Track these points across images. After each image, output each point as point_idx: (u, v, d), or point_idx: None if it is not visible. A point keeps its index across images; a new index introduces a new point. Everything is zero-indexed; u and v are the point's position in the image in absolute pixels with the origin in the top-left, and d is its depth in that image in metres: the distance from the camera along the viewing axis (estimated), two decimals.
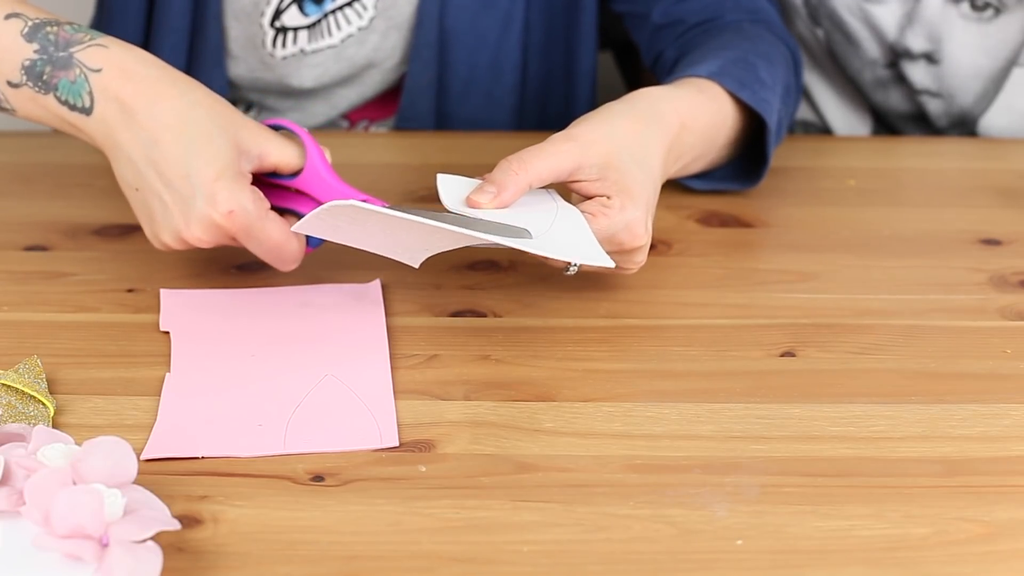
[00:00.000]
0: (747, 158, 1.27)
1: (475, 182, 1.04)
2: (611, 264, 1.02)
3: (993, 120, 1.44)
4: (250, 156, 1.07)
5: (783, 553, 0.85)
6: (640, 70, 1.64)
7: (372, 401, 0.98)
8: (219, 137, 1.05)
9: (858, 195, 1.30)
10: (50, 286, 1.12)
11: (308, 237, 1.10)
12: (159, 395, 0.98)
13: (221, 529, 0.86)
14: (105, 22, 1.43)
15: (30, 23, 1.08)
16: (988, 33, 1.40)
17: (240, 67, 1.39)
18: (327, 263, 1.14)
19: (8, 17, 1.08)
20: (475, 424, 0.96)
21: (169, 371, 1.01)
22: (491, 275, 1.14)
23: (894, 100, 1.45)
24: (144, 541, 0.79)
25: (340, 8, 1.37)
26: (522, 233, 1.01)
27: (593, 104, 1.13)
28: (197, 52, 1.38)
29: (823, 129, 1.49)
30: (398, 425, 0.96)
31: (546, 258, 1.02)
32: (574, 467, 0.92)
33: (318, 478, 0.90)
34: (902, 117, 1.46)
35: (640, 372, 1.02)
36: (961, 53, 1.41)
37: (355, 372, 1.01)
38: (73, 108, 1.07)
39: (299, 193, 1.11)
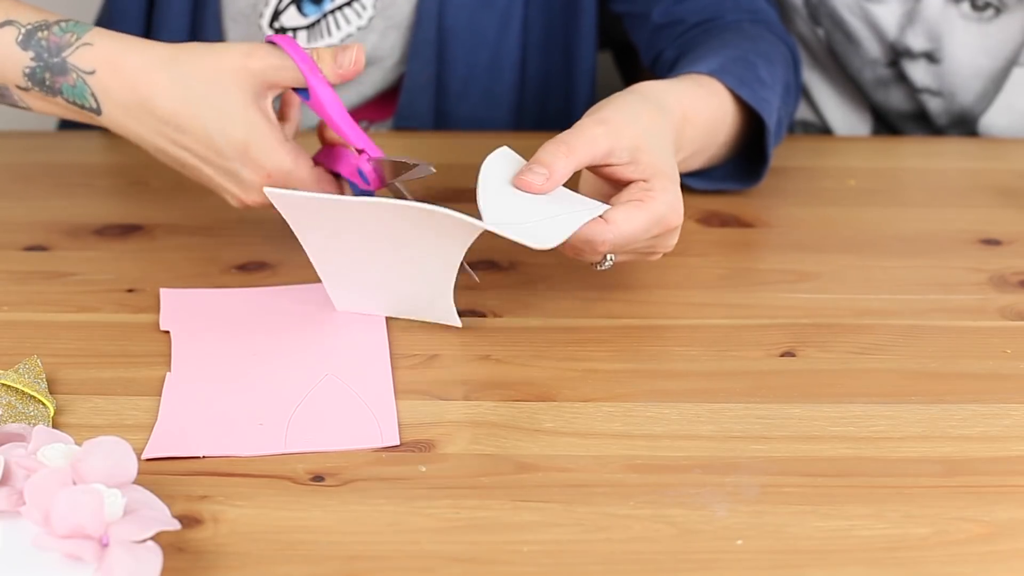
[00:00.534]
0: (746, 157, 1.27)
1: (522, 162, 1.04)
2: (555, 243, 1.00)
3: (993, 120, 1.44)
4: (264, 92, 1.08)
5: (783, 553, 0.85)
6: (639, 70, 1.63)
7: (372, 400, 0.98)
8: (228, 102, 1.07)
9: (858, 195, 1.30)
10: (50, 286, 1.12)
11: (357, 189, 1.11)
12: (159, 395, 0.98)
13: (221, 529, 0.86)
14: (105, 24, 1.43)
15: (23, 30, 1.09)
16: (988, 33, 1.40)
17: None
18: None
19: (3, 25, 1.09)
20: (475, 424, 0.96)
21: (169, 371, 1.01)
22: (491, 275, 1.14)
23: (894, 99, 1.45)
24: (144, 541, 0.79)
25: (339, 8, 1.37)
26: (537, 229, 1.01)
27: (592, 103, 1.13)
28: None
29: (823, 129, 1.49)
30: (398, 425, 0.96)
31: (562, 248, 1.02)
32: (574, 467, 0.92)
33: (318, 478, 0.90)
34: (902, 116, 1.46)
35: (640, 372, 1.02)
36: (961, 52, 1.41)
37: (355, 371, 1.01)
38: (83, 108, 1.09)
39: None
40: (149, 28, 1.39)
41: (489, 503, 0.88)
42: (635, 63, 1.67)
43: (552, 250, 1.01)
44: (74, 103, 1.09)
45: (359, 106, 1.44)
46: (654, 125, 1.09)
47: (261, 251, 1.17)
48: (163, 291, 1.11)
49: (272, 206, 1.05)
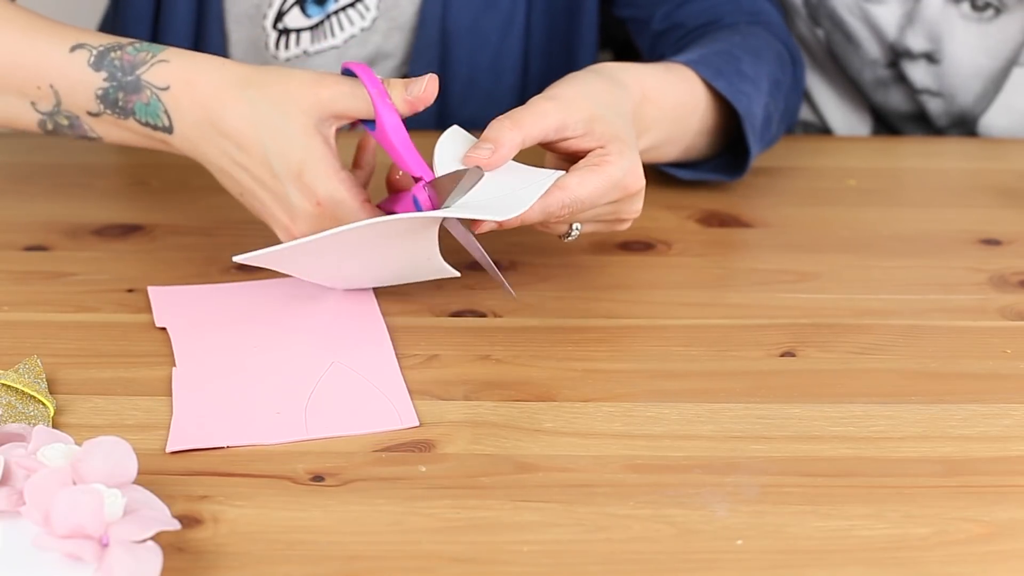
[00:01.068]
0: (736, 153, 1.27)
1: (473, 140, 1.05)
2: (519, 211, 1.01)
3: (993, 120, 1.44)
4: (328, 120, 1.07)
5: (783, 553, 0.85)
6: None
7: (383, 384, 0.99)
8: (290, 125, 1.05)
9: (858, 195, 1.30)
10: (50, 286, 1.12)
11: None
12: (159, 395, 0.98)
13: (221, 529, 0.86)
14: (112, 26, 1.44)
15: (95, 52, 1.09)
16: (988, 33, 1.40)
17: None
18: None
19: (73, 49, 1.09)
20: (475, 424, 0.96)
21: (175, 366, 1.01)
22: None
23: (894, 100, 1.45)
24: (144, 541, 0.79)
25: (343, 9, 1.37)
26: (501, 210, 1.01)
27: None
28: None
29: (823, 129, 1.49)
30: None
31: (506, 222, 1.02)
32: (574, 467, 0.92)
33: (318, 478, 0.90)
34: (902, 117, 1.46)
35: (640, 372, 1.02)
36: (961, 53, 1.41)
37: (360, 358, 1.02)
38: (156, 128, 1.09)
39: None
40: (156, 32, 1.39)
41: (489, 503, 0.88)
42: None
43: (524, 228, 1.02)
44: (147, 123, 1.08)
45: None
46: (608, 96, 1.09)
47: None
48: (151, 289, 1.11)
49: None
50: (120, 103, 1.09)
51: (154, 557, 0.79)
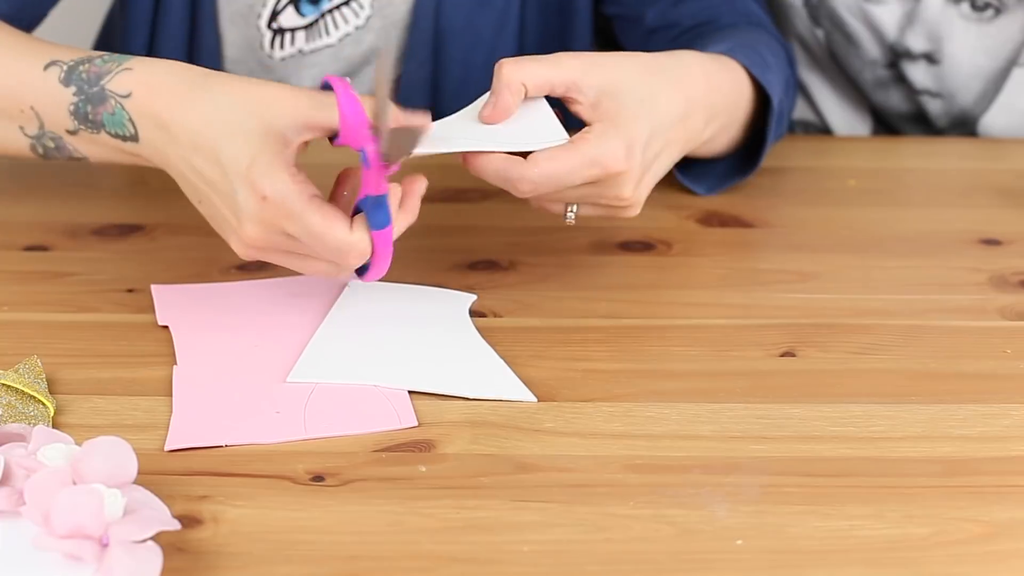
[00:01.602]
0: (745, 149, 1.27)
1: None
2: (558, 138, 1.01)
3: (993, 120, 1.44)
4: (293, 129, 1.00)
5: (783, 553, 0.85)
6: None
7: (383, 385, 0.99)
8: (247, 123, 1.00)
9: (858, 195, 1.30)
10: (50, 286, 1.12)
11: (371, 216, 0.99)
12: (159, 395, 0.98)
13: (221, 529, 0.86)
14: (110, 31, 1.44)
15: (65, 67, 1.07)
16: (988, 33, 1.40)
17: (239, 70, 1.39)
18: None
19: (47, 67, 1.07)
20: (475, 424, 0.96)
21: (175, 365, 1.01)
22: (491, 275, 1.14)
23: (894, 100, 1.45)
24: (144, 541, 0.79)
25: (337, 7, 1.37)
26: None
27: None
28: (195, 59, 1.38)
29: (823, 129, 1.49)
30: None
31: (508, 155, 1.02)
32: (574, 467, 0.92)
33: (318, 478, 0.90)
34: (902, 117, 1.46)
35: (640, 372, 1.02)
36: (961, 53, 1.41)
37: None
38: (124, 139, 1.05)
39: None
40: (153, 36, 1.38)
41: (489, 503, 0.88)
42: None
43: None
44: (116, 135, 1.05)
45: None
46: (643, 81, 1.07)
47: None
48: (154, 287, 1.11)
49: (266, 252, 1.01)
50: (90, 116, 1.06)
51: (154, 557, 0.79)
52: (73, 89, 1.06)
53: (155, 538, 0.79)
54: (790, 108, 1.33)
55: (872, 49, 1.43)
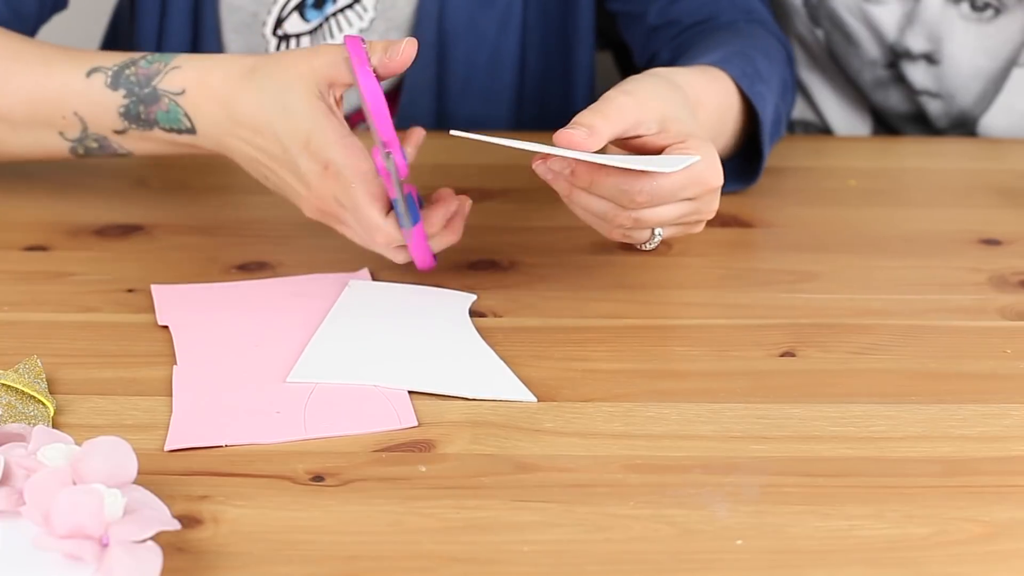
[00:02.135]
0: (744, 156, 1.27)
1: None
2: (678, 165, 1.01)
3: (993, 120, 1.44)
4: (326, 88, 1.09)
5: (783, 553, 0.85)
6: (638, 70, 1.63)
7: (383, 385, 0.99)
8: (292, 98, 1.08)
9: (858, 195, 1.30)
10: (50, 286, 1.12)
11: (399, 214, 1.07)
12: (159, 395, 0.98)
13: (221, 529, 0.86)
14: (113, 37, 1.45)
15: (111, 73, 1.14)
16: (988, 33, 1.40)
17: None
18: (316, 254, 1.15)
19: (90, 74, 1.14)
20: (475, 424, 0.96)
21: (175, 364, 1.01)
22: (491, 275, 1.14)
23: (894, 100, 1.45)
24: (144, 541, 0.79)
25: (341, 11, 1.37)
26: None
27: (591, 102, 1.13)
28: None
29: (823, 129, 1.49)
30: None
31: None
32: (574, 467, 0.92)
33: (318, 478, 0.90)
34: (902, 117, 1.46)
35: (640, 372, 1.02)
36: (961, 53, 1.41)
37: None
38: (180, 132, 1.13)
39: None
40: (160, 47, 1.39)
41: (489, 503, 0.88)
42: (634, 63, 1.67)
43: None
44: (171, 129, 1.13)
45: (359, 108, 1.44)
46: (675, 98, 1.08)
47: (261, 251, 1.17)
48: (154, 287, 1.11)
49: (327, 216, 1.08)
50: (142, 116, 1.13)
51: (154, 557, 0.79)
52: (123, 92, 1.13)
53: (155, 538, 0.79)
54: (788, 109, 1.33)
55: (872, 49, 1.43)
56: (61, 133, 1.16)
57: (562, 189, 1.04)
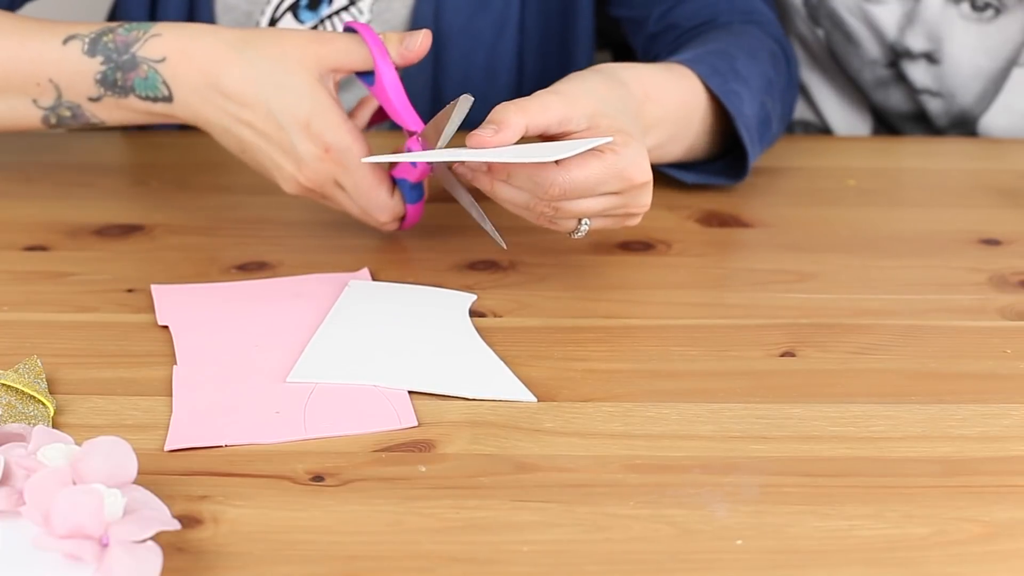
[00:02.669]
0: (738, 155, 1.27)
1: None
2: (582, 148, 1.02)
3: (993, 120, 1.44)
4: (327, 74, 1.11)
5: (783, 553, 0.85)
6: None
7: (382, 385, 0.99)
8: (292, 80, 1.10)
9: (858, 195, 1.30)
10: (50, 286, 1.12)
11: (407, 193, 1.13)
12: (159, 395, 0.98)
13: (221, 529, 0.86)
14: None
15: (87, 40, 1.14)
16: (988, 33, 1.40)
17: None
18: (316, 255, 1.15)
19: (67, 41, 1.14)
20: (475, 424, 0.96)
21: (175, 364, 1.01)
22: (491, 275, 1.14)
23: (894, 100, 1.45)
24: (144, 541, 0.79)
25: (336, 13, 1.37)
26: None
27: None
28: None
29: (823, 129, 1.49)
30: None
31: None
32: (574, 467, 0.92)
33: (318, 478, 0.90)
34: (902, 117, 1.46)
35: (640, 372, 1.02)
36: (961, 53, 1.41)
37: None
38: (156, 100, 1.13)
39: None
40: None
41: (489, 503, 0.88)
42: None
43: (528, 227, 1.02)
44: (147, 97, 1.13)
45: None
46: (611, 93, 1.10)
47: (261, 251, 1.17)
48: (154, 287, 1.11)
49: (313, 193, 1.11)
50: (119, 83, 1.13)
51: (154, 557, 0.79)
52: (100, 59, 1.13)
53: (155, 538, 0.79)
54: (785, 110, 1.33)
55: (872, 49, 1.43)
56: (35, 101, 1.16)
57: (484, 185, 1.06)
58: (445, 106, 1.07)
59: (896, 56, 1.42)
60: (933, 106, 1.44)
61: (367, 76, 1.12)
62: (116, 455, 0.83)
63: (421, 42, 1.11)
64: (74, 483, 0.82)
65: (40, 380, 0.98)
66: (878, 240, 1.21)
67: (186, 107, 1.13)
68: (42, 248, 1.18)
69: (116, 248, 1.18)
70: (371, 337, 1.04)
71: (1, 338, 1.05)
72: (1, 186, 1.28)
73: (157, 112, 1.14)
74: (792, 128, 1.49)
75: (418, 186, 1.14)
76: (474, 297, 1.10)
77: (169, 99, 1.13)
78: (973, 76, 1.42)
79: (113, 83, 1.13)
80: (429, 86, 1.41)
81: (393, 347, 1.03)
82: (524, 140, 1.04)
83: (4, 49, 1.15)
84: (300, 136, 1.10)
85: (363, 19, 1.38)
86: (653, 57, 1.36)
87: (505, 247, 1.10)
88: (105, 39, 1.13)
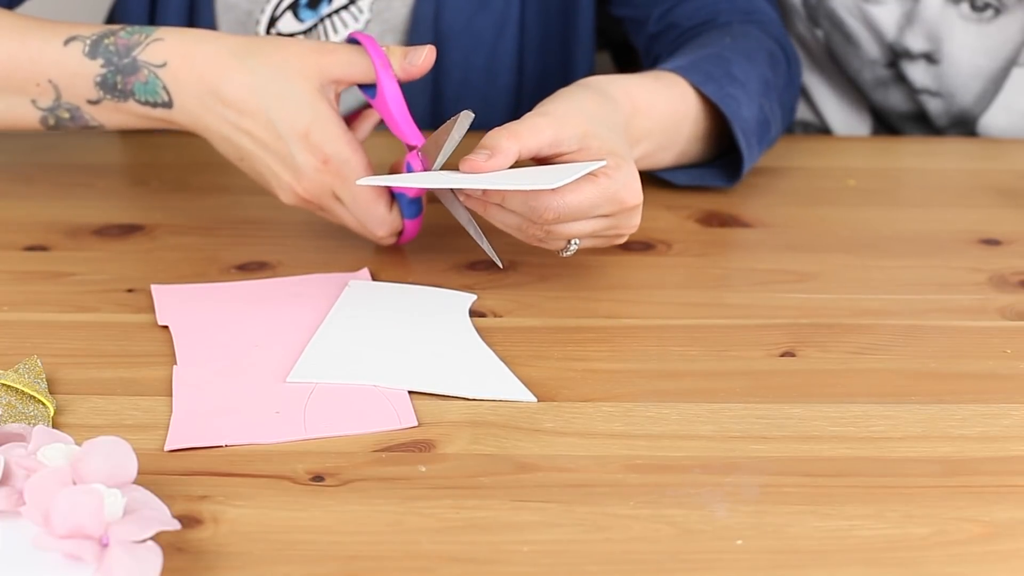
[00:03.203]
0: (734, 157, 1.27)
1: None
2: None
3: (993, 120, 1.44)
4: (329, 85, 1.11)
5: (783, 553, 0.85)
6: (639, 71, 1.63)
7: (382, 385, 0.99)
8: (293, 90, 1.09)
9: (858, 195, 1.30)
10: (50, 286, 1.12)
11: (405, 207, 1.13)
12: (159, 395, 0.98)
13: (221, 529, 0.86)
14: None
15: (88, 41, 1.13)
16: (988, 33, 1.40)
17: None
18: (316, 255, 1.15)
19: (67, 42, 1.13)
20: (475, 424, 0.96)
21: (175, 365, 1.01)
22: (491, 275, 1.14)
23: (894, 100, 1.45)
24: (144, 541, 0.79)
25: (336, 12, 1.37)
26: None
27: None
28: None
29: (823, 129, 1.49)
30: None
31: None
32: (574, 467, 0.92)
33: (318, 478, 0.90)
34: (902, 117, 1.46)
35: (640, 372, 1.02)
36: (961, 53, 1.41)
37: None
38: (155, 105, 1.12)
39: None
40: None
41: (489, 503, 0.88)
42: (634, 63, 1.67)
43: (521, 243, 1.03)
44: (146, 102, 1.12)
45: (356, 109, 1.44)
46: (600, 111, 1.10)
47: (261, 251, 1.17)
48: (154, 287, 1.11)
49: (311, 204, 1.11)
50: (119, 86, 1.12)
51: (154, 557, 0.79)
52: (100, 61, 1.12)
53: (155, 538, 0.79)
54: (784, 111, 1.32)
55: (871, 49, 1.43)
56: (34, 101, 1.15)
57: (478, 208, 1.06)
58: (446, 120, 1.07)
59: (895, 56, 1.42)
60: (933, 106, 1.44)
61: (369, 88, 1.12)
62: (116, 455, 0.83)
63: (425, 58, 1.10)
64: (74, 483, 0.82)
65: (40, 380, 0.98)
66: (878, 240, 1.22)
67: (185, 113, 1.12)
68: (42, 248, 1.18)
69: (116, 248, 1.18)
70: (371, 337, 1.04)
71: (1, 338, 1.05)
72: (1, 186, 1.28)
73: (156, 117, 1.13)
74: (792, 128, 1.49)
75: (416, 201, 1.13)
76: (474, 297, 1.10)
77: (169, 104, 1.12)
78: (973, 76, 1.42)
79: (113, 86, 1.12)
80: (429, 86, 1.41)
81: (393, 347, 1.03)
82: (517, 164, 1.04)
83: (4, 48, 1.14)
84: (299, 146, 1.10)
85: (363, 18, 1.38)
86: (655, 57, 1.36)
87: (502, 266, 1.10)
88: (106, 41, 1.12)
